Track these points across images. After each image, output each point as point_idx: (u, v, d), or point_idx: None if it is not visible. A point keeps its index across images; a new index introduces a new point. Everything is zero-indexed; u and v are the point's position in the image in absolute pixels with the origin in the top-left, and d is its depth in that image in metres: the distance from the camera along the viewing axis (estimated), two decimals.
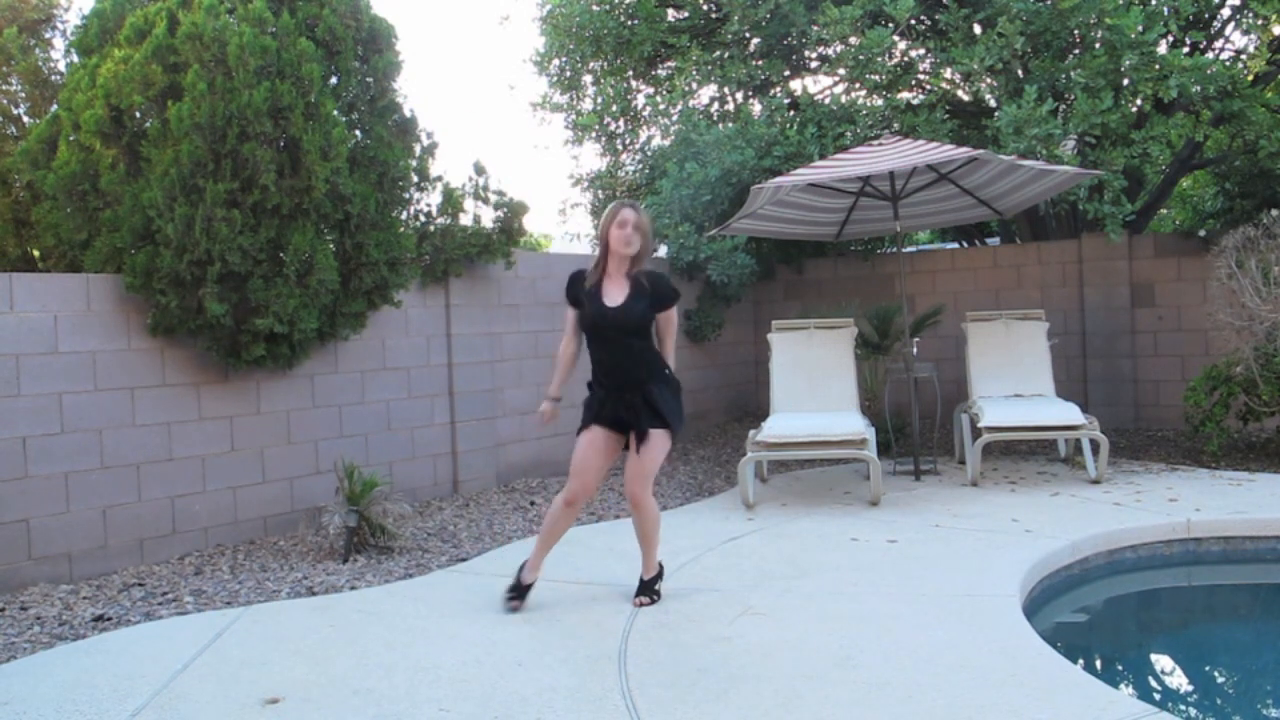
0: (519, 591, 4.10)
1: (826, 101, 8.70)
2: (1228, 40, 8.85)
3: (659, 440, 4.01)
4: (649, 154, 9.77)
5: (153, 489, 5.11)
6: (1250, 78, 7.96)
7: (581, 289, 4.03)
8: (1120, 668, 4.10)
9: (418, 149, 6.11)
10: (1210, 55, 8.15)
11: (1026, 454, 7.55)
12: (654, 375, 4.01)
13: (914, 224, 8.23)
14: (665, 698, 3.14)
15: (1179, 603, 4.93)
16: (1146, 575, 5.00)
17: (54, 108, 5.76)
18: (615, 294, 3.98)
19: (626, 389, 3.97)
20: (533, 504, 6.40)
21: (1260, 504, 5.40)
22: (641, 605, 4.03)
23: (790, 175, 6.51)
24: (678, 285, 8.86)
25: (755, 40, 9.11)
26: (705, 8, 9.52)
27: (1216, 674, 4.03)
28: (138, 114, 5.16)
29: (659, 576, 4.20)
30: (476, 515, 6.08)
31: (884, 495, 6.03)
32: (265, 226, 5.04)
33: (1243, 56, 8.73)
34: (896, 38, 8.15)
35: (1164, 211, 11.62)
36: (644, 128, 9.91)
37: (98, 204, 5.11)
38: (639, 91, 9.95)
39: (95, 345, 4.93)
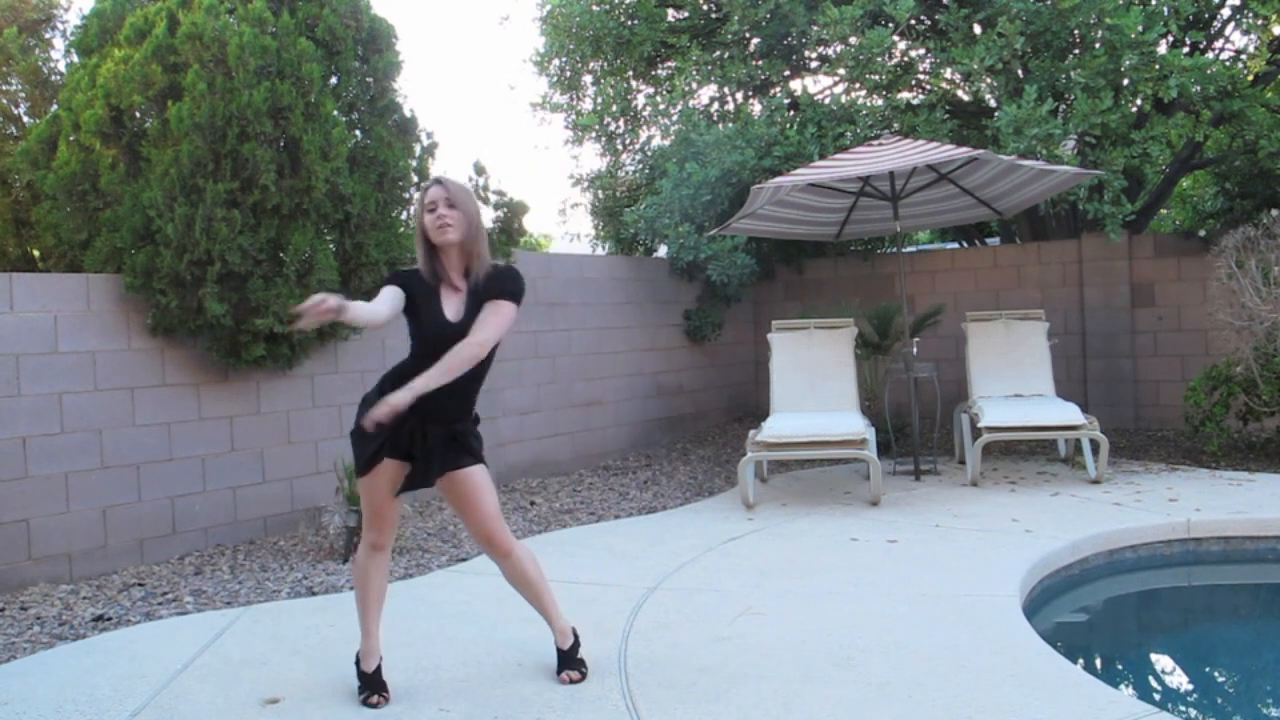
0: (370, 684, 3.23)
1: (826, 101, 8.70)
2: (1228, 40, 8.85)
3: (481, 475, 3.19)
4: (649, 154, 9.77)
5: (153, 489, 5.11)
6: (1250, 78, 7.96)
7: (420, 287, 3.13)
8: (1120, 668, 4.10)
9: (418, 149, 6.11)
10: (1210, 55, 8.15)
11: (1026, 454, 7.55)
12: (466, 414, 3.21)
13: (914, 224, 8.22)
14: (665, 698, 3.14)
15: (1179, 603, 4.92)
16: (1146, 575, 5.00)
17: (54, 108, 5.76)
18: (455, 303, 3.12)
19: (435, 423, 3.10)
20: (533, 504, 6.40)
21: (1260, 504, 5.40)
22: (573, 680, 3.30)
23: (790, 175, 6.51)
24: (677, 285, 8.93)
25: (755, 40, 9.10)
26: (705, 8, 9.51)
27: (1216, 674, 4.03)
28: (138, 114, 5.16)
29: (577, 643, 3.41)
30: None
31: (884, 495, 6.03)
32: (265, 226, 5.04)
33: (1243, 56, 8.73)
34: (896, 38, 8.15)
35: (1164, 211, 11.61)
36: (644, 128, 9.90)
37: (98, 204, 5.11)
38: (639, 91, 9.95)
39: (95, 345, 4.93)
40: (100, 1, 5.45)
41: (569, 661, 3.36)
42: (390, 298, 3.10)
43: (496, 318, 3.06)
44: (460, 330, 3.05)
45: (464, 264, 3.14)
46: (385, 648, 3.69)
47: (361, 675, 3.25)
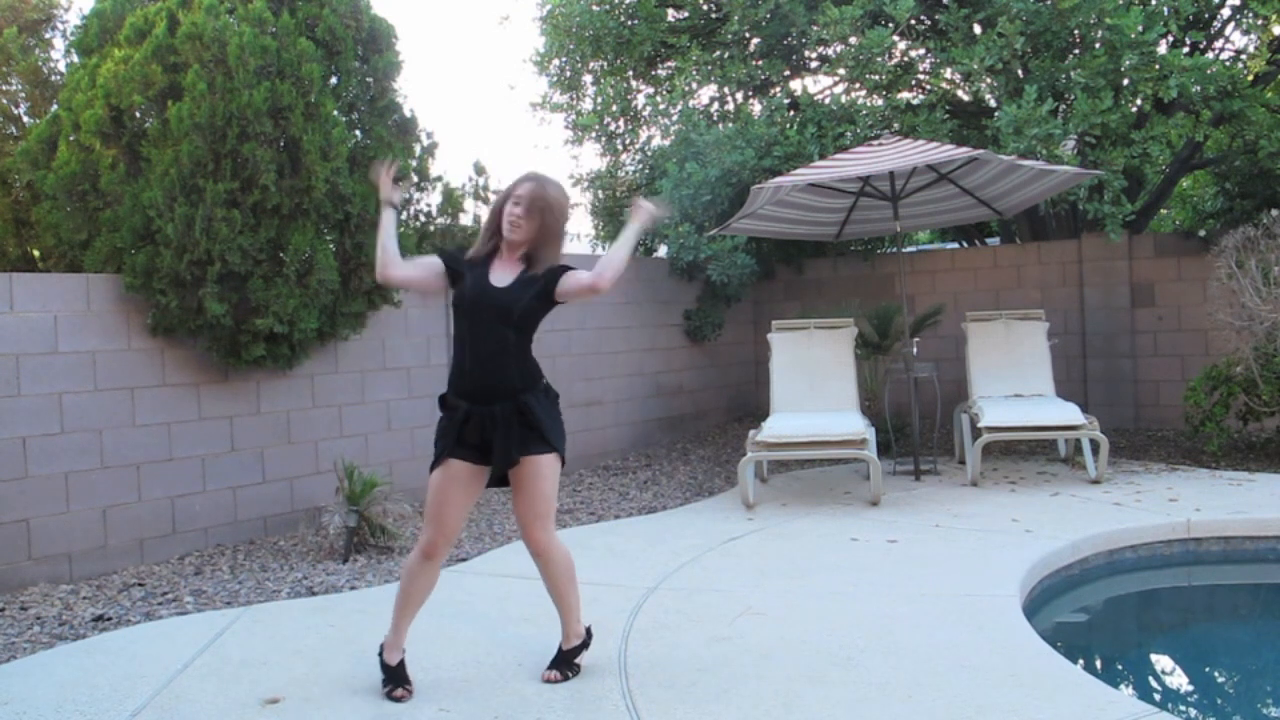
0: (394, 677, 3.24)
1: (826, 101, 8.70)
2: (1228, 40, 8.85)
3: (548, 468, 3.15)
4: (649, 154, 9.76)
5: (153, 489, 5.11)
6: (1250, 78, 7.96)
7: (465, 263, 3.23)
8: (1120, 668, 4.10)
9: (418, 149, 6.11)
10: (1210, 55, 8.15)
11: (1026, 454, 7.55)
12: (530, 384, 3.19)
13: (914, 224, 8.22)
14: (665, 698, 3.13)
15: (1179, 603, 4.93)
16: (1146, 575, 5.00)
17: (54, 108, 5.76)
18: (503, 275, 3.19)
19: (496, 398, 3.11)
20: None
21: (1260, 504, 5.40)
22: (552, 681, 3.26)
23: (790, 175, 6.51)
24: (677, 285, 8.92)
25: (755, 40, 9.10)
26: (705, 8, 9.51)
27: (1216, 674, 4.03)
28: (138, 114, 5.16)
29: (584, 645, 3.37)
30: (476, 515, 6.08)
31: (884, 495, 6.03)
32: (265, 226, 5.04)
33: (1243, 56, 8.73)
34: (896, 38, 8.14)
35: (1164, 211, 11.60)
36: (644, 128, 9.90)
37: (98, 204, 5.11)
38: (639, 91, 9.94)
39: (95, 345, 4.93)
40: (100, 1, 5.45)
41: (561, 661, 3.33)
42: (425, 263, 3.26)
43: (577, 276, 3.19)
44: (505, 296, 3.11)
45: (523, 257, 3.21)
46: None
47: (385, 668, 3.26)
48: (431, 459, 3.22)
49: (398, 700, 3.18)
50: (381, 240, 3.20)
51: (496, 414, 3.10)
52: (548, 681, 3.27)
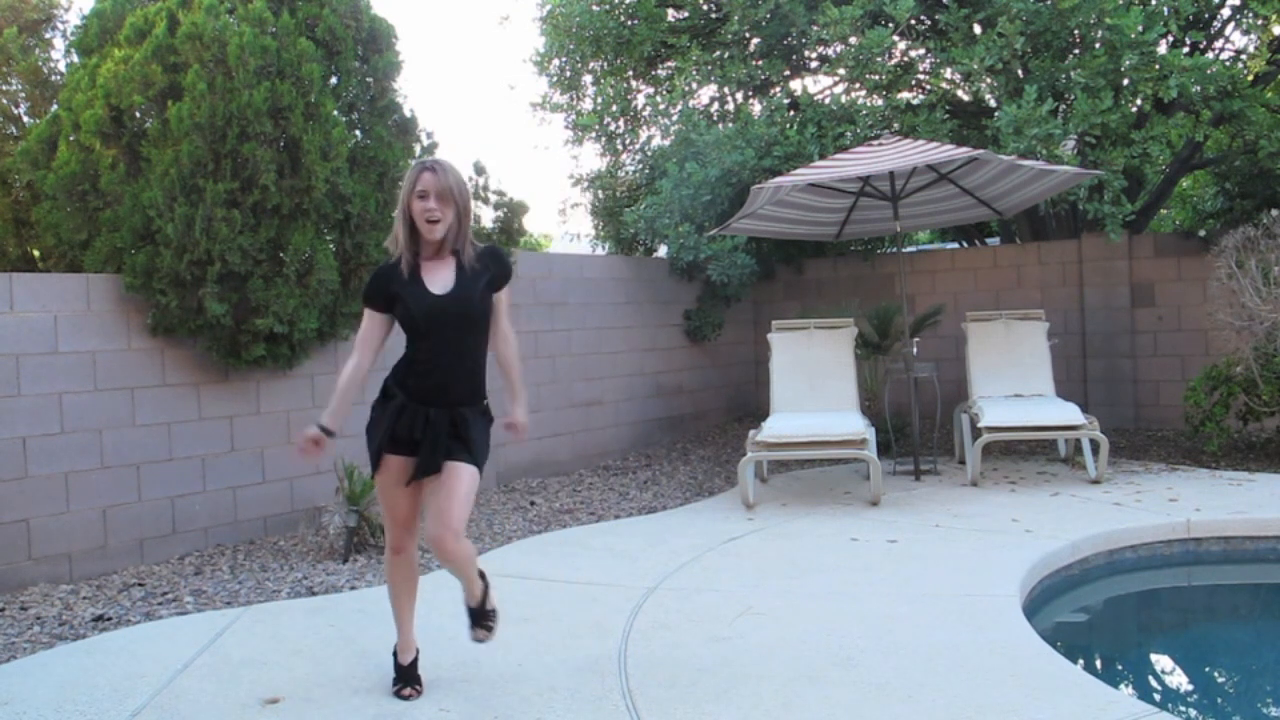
0: (404, 676, 3.27)
1: (826, 101, 8.70)
2: (1228, 40, 8.85)
3: (467, 475, 3.06)
4: (649, 154, 9.77)
5: (153, 489, 5.11)
6: (1250, 78, 7.96)
7: (396, 281, 3.07)
8: (1120, 668, 4.10)
9: (418, 149, 6.11)
10: (1210, 55, 8.15)
11: (1026, 454, 7.55)
12: (474, 399, 3.13)
13: (914, 224, 8.22)
14: (665, 698, 3.14)
15: (1179, 603, 4.92)
16: (1146, 575, 5.00)
17: (54, 108, 5.76)
18: (441, 276, 3.07)
19: (438, 403, 3.06)
20: (532, 504, 6.40)
21: (1260, 504, 5.40)
22: (483, 638, 3.26)
23: (790, 175, 6.51)
24: (677, 285, 8.93)
25: (755, 40, 9.10)
26: (705, 8, 9.51)
27: (1216, 674, 4.03)
28: (138, 114, 5.16)
29: (486, 587, 3.26)
30: (476, 515, 6.08)
31: (884, 495, 6.03)
32: (265, 226, 5.04)
33: (1243, 56, 8.73)
34: (896, 38, 8.14)
35: (1164, 211, 11.60)
36: (644, 128, 9.90)
37: (98, 204, 5.11)
38: (639, 91, 9.95)
39: (95, 345, 4.93)
40: (100, 1, 5.45)
41: (478, 617, 3.24)
42: (369, 328, 3.14)
43: (505, 306, 3.21)
44: (454, 299, 3.03)
45: (447, 248, 3.10)
46: (384, 647, 3.69)
47: (397, 668, 3.29)
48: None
49: (405, 699, 3.20)
50: (357, 377, 3.14)
51: (431, 416, 3.05)
52: (482, 639, 3.26)
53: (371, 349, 3.14)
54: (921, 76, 8.93)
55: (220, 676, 3.44)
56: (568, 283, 7.73)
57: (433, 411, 3.05)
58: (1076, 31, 7.54)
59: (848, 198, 7.49)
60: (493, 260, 3.13)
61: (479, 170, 6.65)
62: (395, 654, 3.32)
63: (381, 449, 3.10)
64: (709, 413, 9.36)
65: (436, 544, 3.03)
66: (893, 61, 8.26)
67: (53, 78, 6.34)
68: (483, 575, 3.25)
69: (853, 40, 7.88)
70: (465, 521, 3.07)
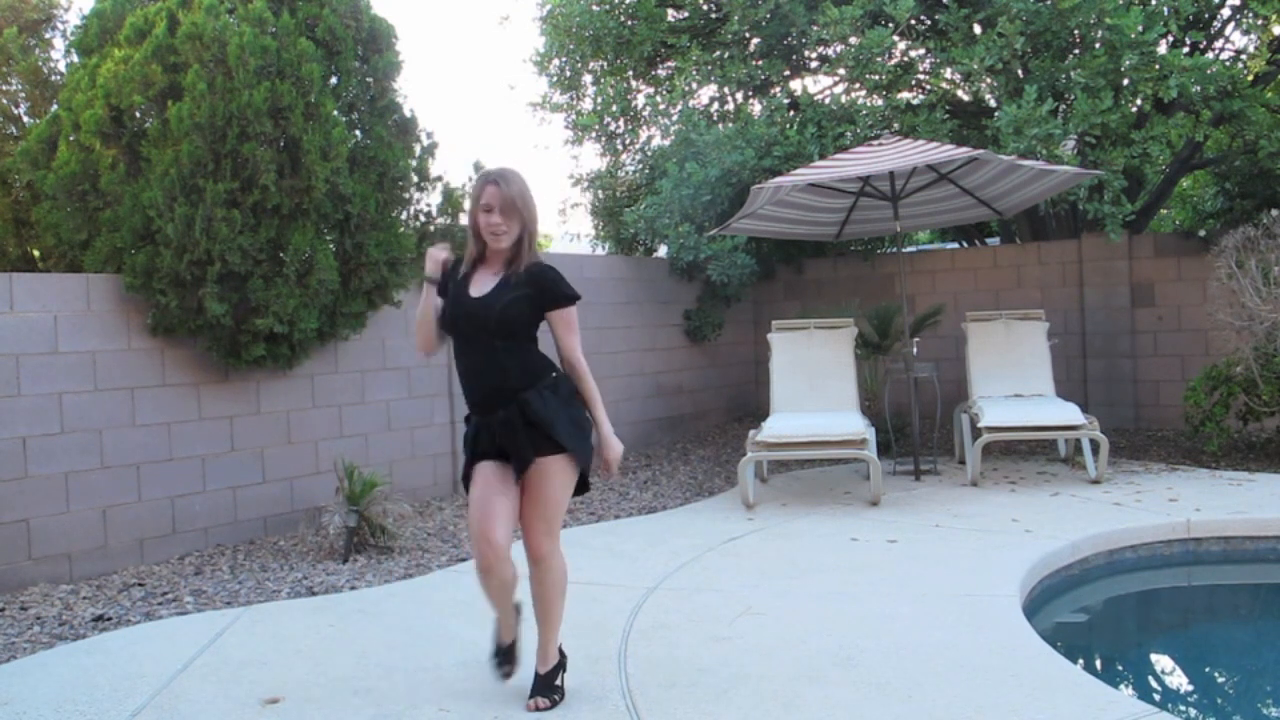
0: (504, 655, 3.28)
1: (826, 101, 8.70)
2: (1228, 40, 8.85)
3: (556, 471, 3.03)
4: (649, 154, 9.77)
5: (153, 489, 5.11)
6: (1250, 78, 7.96)
7: (454, 276, 3.17)
8: (1120, 668, 4.10)
9: (418, 149, 6.11)
10: (1210, 55, 8.15)
11: (1026, 454, 7.55)
12: (531, 381, 3.05)
13: (914, 224, 8.22)
14: (665, 698, 3.14)
15: (1179, 603, 4.93)
16: (1146, 575, 5.00)
17: (54, 108, 5.76)
18: (484, 283, 3.10)
19: (496, 405, 3.03)
20: None
21: (1260, 504, 5.40)
22: (539, 709, 3.07)
23: (790, 175, 6.51)
24: (677, 285, 8.92)
25: (755, 40, 9.10)
26: (705, 8, 9.51)
27: (1216, 674, 4.03)
28: (138, 114, 5.16)
29: (560, 667, 3.19)
30: None
31: (884, 495, 6.03)
32: (265, 226, 5.04)
33: (1243, 56, 8.73)
34: (896, 38, 8.14)
35: (1164, 211, 11.60)
36: (644, 128, 9.90)
37: (98, 204, 5.11)
38: (639, 91, 9.94)
39: (95, 345, 4.93)
40: (100, 1, 5.45)
41: (542, 687, 3.13)
42: (427, 301, 3.20)
43: (564, 327, 3.16)
44: (482, 305, 3.03)
45: (511, 257, 3.09)
46: (384, 647, 3.70)
47: (498, 647, 3.27)
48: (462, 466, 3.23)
49: (506, 677, 3.24)
50: (419, 317, 3.19)
51: (501, 420, 3.02)
52: (534, 710, 3.07)
53: (432, 324, 3.20)
54: (921, 76, 8.93)
55: (220, 676, 3.44)
56: None
57: (500, 414, 3.02)
58: (1076, 31, 7.54)
59: (848, 198, 7.49)
60: (533, 277, 3.06)
61: (479, 170, 6.64)
62: (496, 634, 3.28)
63: (472, 458, 3.12)
64: (709, 413, 9.36)
65: (533, 549, 3.08)
66: (893, 61, 8.26)
67: (53, 78, 6.34)
68: (561, 651, 3.21)
69: (853, 40, 7.88)
70: (559, 519, 3.09)
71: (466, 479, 3.13)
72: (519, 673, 3.25)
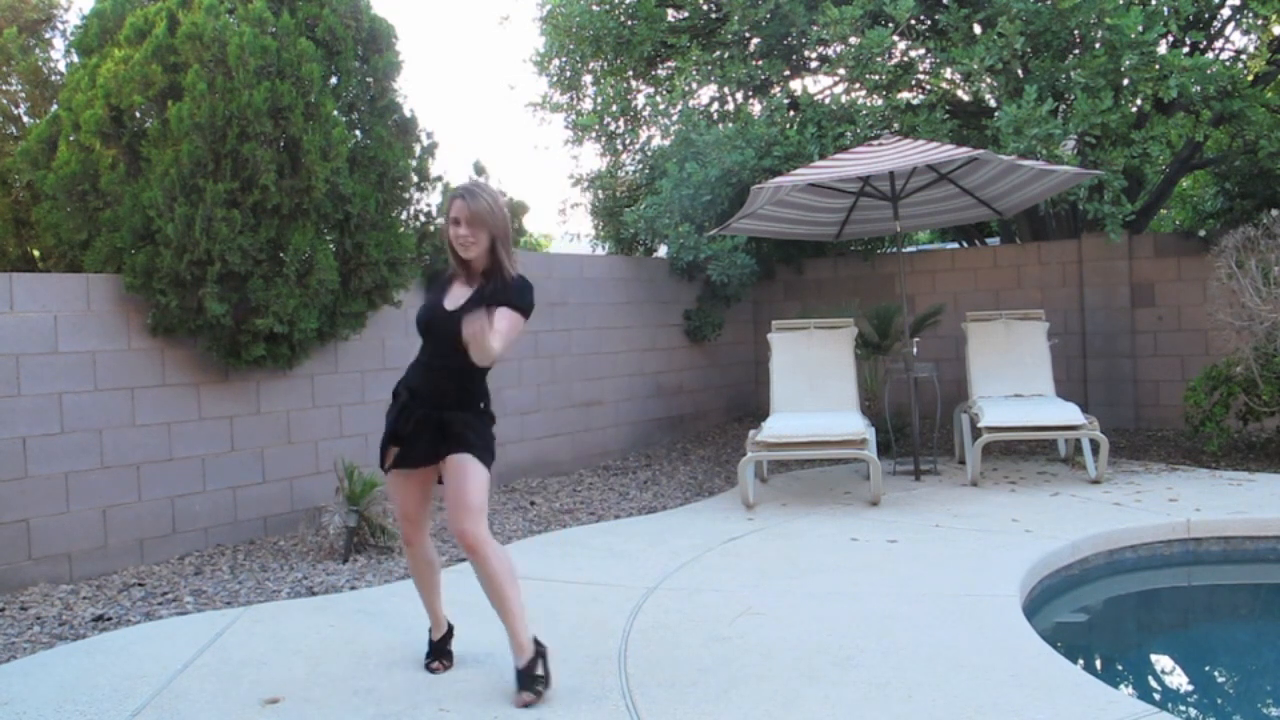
0: (434, 651, 3.50)
1: (826, 101, 8.70)
2: (1228, 40, 8.85)
3: (472, 464, 3.18)
4: (649, 154, 9.77)
5: (153, 489, 5.11)
6: (1250, 78, 7.96)
7: (437, 284, 3.41)
8: (1120, 668, 4.10)
9: (418, 149, 6.11)
10: (1210, 55, 8.15)
11: (1026, 454, 7.55)
12: (465, 405, 3.25)
13: (914, 224, 8.22)
14: (665, 698, 3.14)
15: (1179, 603, 4.93)
16: (1146, 575, 5.01)
17: (54, 108, 5.76)
18: (459, 295, 3.27)
19: (429, 406, 3.24)
20: (532, 504, 6.40)
21: (1260, 504, 5.40)
22: (525, 704, 3.09)
23: (790, 175, 6.51)
24: (677, 285, 8.93)
25: (755, 40, 9.10)
26: (705, 8, 9.51)
27: (1216, 674, 4.03)
28: (138, 114, 5.16)
29: (539, 655, 3.19)
30: None
31: (884, 495, 6.03)
32: (265, 226, 5.04)
33: (1243, 56, 8.73)
34: (896, 38, 8.15)
35: (1164, 211, 11.61)
36: (644, 128, 9.90)
37: (98, 204, 5.11)
38: (639, 91, 9.95)
39: (95, 345, 4.93)
40: (100, 1, 5.45)
41: (524, 681, 3.13)
42: None
43: (504, 323, 3.13)
44: (450, 316, 3.17)
45: (487, 269, 3.26)
46: (384, 647, 3.70)
47: (429, 644, 3.55)
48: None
49: (434, 672, 3.43)
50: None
51: (421, 415, 3.24)
52: (522, 705, 3.09)
53: None
54: (921, 76, 8.94)
55: (220, 676, 3.44)
56: (567, 283, 7.73)
57: (423, 411, 3.25)
58: (1076, 31, 7.54)
59: (848, 198, 7.49)
60: (499, 290, 3.18)
61: (479, 170, 6.65)
62: (429, 632, 3.56)
63: (386, 444, 3.34)
64: (709, 413, 9.36)
65: (456, 535, 3.19)
66: (893, 61, 8.26)
67: (53, 78, 6.34)
68: (537, 641, 3.22)
69: (853, 40, 7.89)
70: (478, 510, 3.16)
71: (383, 454, 3.34)
72: (454, 669, 3.48)
